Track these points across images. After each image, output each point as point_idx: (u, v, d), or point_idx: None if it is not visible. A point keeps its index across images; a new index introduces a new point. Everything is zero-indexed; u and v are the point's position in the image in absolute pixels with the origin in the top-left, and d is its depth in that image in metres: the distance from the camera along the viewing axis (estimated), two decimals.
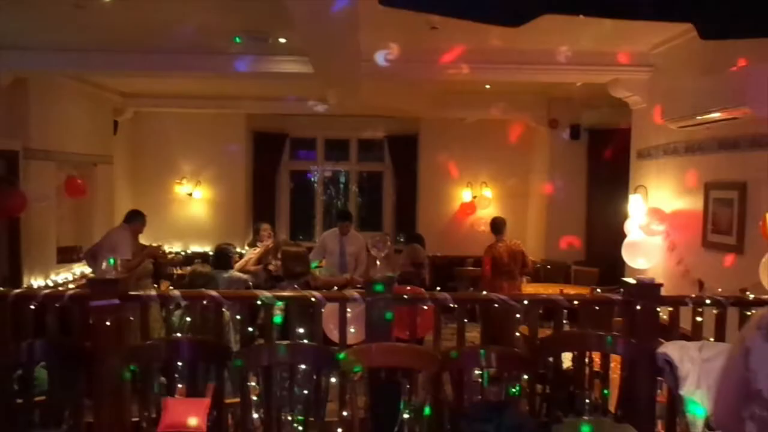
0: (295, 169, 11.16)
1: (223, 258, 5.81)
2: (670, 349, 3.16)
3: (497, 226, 7.15)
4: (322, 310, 3.51)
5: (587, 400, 3.39)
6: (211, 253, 9.96)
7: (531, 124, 9.76)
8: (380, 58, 5.75)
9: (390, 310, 3.35)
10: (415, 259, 5.42)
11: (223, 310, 3.54)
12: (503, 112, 9.20)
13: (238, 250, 6.29)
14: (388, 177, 10.97)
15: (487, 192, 10.39)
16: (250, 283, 5.77)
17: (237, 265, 5.97)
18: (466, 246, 10.07)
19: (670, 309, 3.57)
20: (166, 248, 10.02)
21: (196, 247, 10.45)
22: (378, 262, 3.58)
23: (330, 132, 10.93)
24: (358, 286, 6.81)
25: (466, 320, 3.58)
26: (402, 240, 9.72)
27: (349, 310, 3.57)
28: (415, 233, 6.64)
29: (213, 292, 3.43)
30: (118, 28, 5.60)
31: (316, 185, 11.18)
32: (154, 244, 6.82)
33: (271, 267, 5.71)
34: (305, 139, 11.13)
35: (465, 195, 10.44)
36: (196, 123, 10.28)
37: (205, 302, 3.44)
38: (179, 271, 9.20)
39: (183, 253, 10.20)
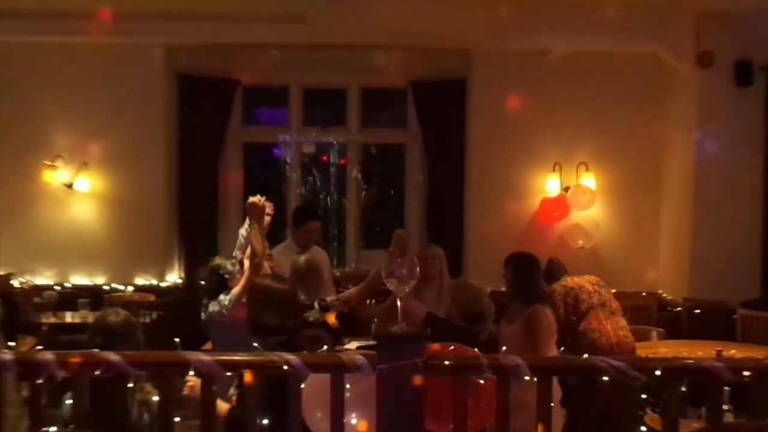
0: (252, 140, 11.13)
1: (220, 283, 6.22)
2: None
3: (553, 270, 7.47)
4: (302, 386, 3.52)
5: None
6: (107, 288, 10.27)
7: (665, 58, 9.75)
8: None
9: (420, 385, 3.36)
10: (470, 306, 5.53)
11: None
12: (616, 38, 9.20)
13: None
14: (415, 154, 10.97)
15: (589, 180, 10.39)
16: None
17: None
18: None
19: None
20: (28, 279, 10.08)
21: (80, 279, 10.51)
22: (399, 302, 3.60)
23: (313, 76, 10.89)
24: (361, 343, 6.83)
25: (553, 405, 3.57)
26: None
27: (348, 386, 3.56)
28: (522, 254, 6.52)
29: (113, 356, 3.46)
30: None
31: (289, 169, 11.12)
32: (2, 273, 6.84)
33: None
34: (270, 89, 11.02)
35: (550, 185, 10.45)
36: (78, 63, 10.33)
37: (97, 372, 3.49)
38: (51, 320, 9.19)
39: (58, 289, 10.23)
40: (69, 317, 9.49)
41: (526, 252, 6.63)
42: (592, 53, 10.01)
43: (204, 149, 10.73)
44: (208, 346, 6.59)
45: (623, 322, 7.25)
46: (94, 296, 9.83)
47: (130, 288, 10.40)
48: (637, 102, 10.28)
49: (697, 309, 9.28)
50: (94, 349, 4.29)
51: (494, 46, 9.95)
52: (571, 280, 7.30)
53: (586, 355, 3.75)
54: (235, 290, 6.03)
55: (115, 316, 4.97)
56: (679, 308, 9.61)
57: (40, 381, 3.62)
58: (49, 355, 3.49)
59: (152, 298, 9.82)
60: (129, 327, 4.92)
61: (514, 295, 6.41)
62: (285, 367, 3.47)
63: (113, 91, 10.38)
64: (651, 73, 10.19)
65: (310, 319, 5.75)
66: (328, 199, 11.31)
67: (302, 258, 6.69)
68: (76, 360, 3.51)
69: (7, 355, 3.51)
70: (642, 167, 10.40)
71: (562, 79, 10.30)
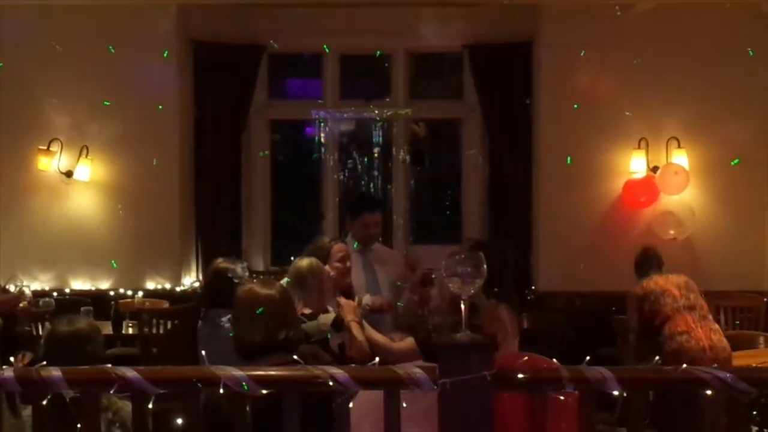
0: (280, 117, 11.29)
1: (222, 289, 5.87)
2: None
3: (648, 261, 7.91)
4: (351, 404, 3.54)
5: None
6: (113, 294, 10.24)
7: (766, 10, 9.77)
8: None
9: (489, 402, 3.37)
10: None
11: None
12: None
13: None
14: (473, 130, 11.03)
15: (681, 159, 10.33)
16: None
17: None
18: None
19: None
20: (20, 286, 9.70)
21: (82, 284, 10.57)
22: (463, 306, 3.56)
23: (352, 39, 10.92)
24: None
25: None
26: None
27: (404, 404, 3.55)
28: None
29: (128, 372, 3.47)
30: None
31: (324, 151, 11.19)
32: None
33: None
34: (300, 57, 11.19)
35: (635, 165, 10.40)
36: (77, 29, 10.31)
37: (111, 392, 3.53)
38: None
39: (55, 297, 10.16)
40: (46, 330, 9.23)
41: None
42: (684, 5, 9.96)
43: (224, 129, 10.75)
44: None
45: (716, 326, 7.51)
46: (98, 303, 9.74)
47: (140, 294, 10.33)
48: (739, 64, 10.12)
49: None
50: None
51: (567, 0, 10.01)
52: (654, 282, 7.60)
53: (684, 365, 3.58)
54: None
55: (66, 325, 4.96)
56: None
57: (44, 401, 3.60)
58: (55, 371, 3.49)
59: (166, 305, 9.83)
60: (77, 339, 4.86)
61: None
62: (330, 383, 3.44)
63: (118, 62, 10.27)
64: (755, 28, 10.09)
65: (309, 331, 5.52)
66: (371, 185, 11.40)
67: (305, 259, 6.22)
68: (86, 377, 3.55)
69: (9, 372, 3.51)
70: (745, 142, 10.24)
71: (648, 38, 10.21)
